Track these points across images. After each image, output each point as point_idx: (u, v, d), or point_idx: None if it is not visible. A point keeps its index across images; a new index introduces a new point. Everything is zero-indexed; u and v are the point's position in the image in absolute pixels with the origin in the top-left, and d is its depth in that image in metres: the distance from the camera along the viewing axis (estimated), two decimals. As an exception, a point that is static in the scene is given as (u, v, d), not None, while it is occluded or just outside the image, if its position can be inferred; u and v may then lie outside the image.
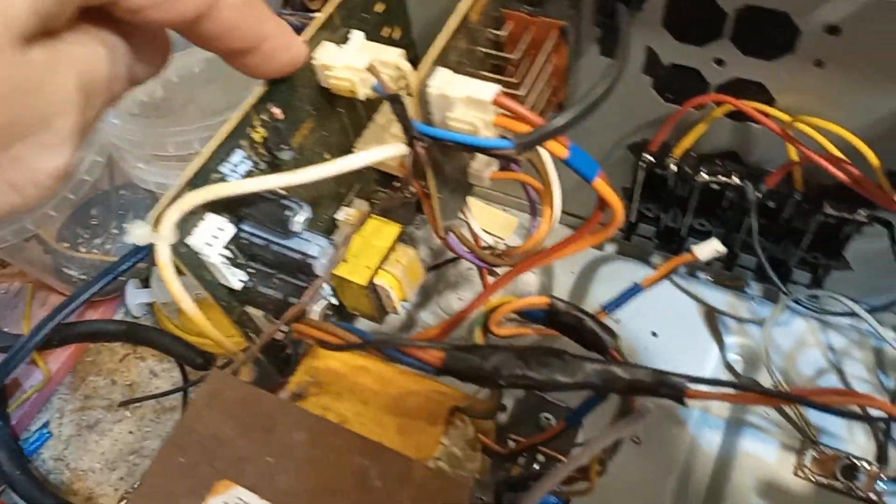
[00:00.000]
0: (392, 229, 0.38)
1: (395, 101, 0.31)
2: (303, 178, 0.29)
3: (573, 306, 0.30)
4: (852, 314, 0.39)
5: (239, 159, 0.31)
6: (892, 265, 0.38)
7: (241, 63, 0.27)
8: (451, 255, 0.47)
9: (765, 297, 0.45)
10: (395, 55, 0.32)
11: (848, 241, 0.39)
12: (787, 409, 0.41)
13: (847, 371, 0.42)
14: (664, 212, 0.42)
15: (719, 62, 0.35)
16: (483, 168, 0.39)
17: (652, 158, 0.39)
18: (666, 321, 0.45)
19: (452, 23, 0.31)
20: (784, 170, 0.36)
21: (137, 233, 0.29)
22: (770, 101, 0.35)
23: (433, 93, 0.31)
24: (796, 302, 0.43)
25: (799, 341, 0.43)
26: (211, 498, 0.26)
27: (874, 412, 0.27)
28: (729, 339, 0.44)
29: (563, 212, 0.50)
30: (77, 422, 0.49)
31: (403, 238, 0.40)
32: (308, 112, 0.34)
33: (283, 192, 0.32)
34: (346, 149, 0.38)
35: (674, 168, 0.39)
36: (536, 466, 0.34)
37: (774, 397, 0.28)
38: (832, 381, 0.42)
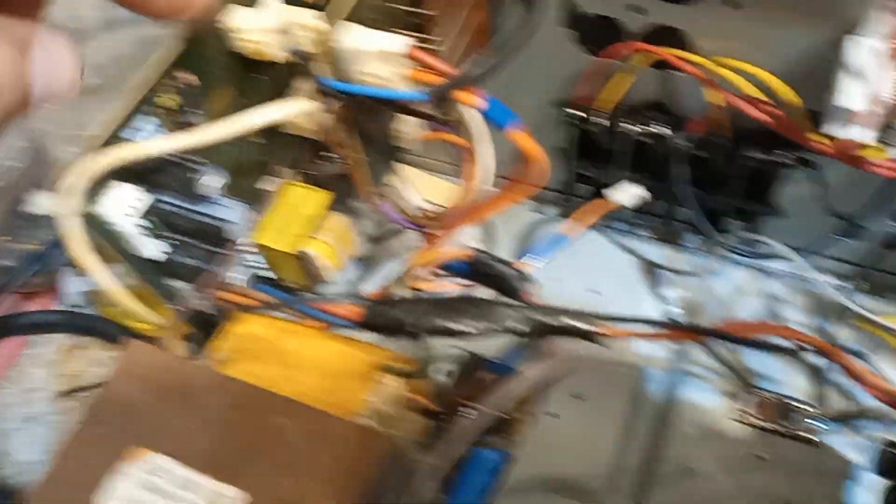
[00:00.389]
0: (321, 197, 0.38)
1: (303, 58, 0.30)
2: (201, 138, 0.28)
3: (491, 256, 0.30)
4: (788, 260, 0.39)
5: (152, 127, 0.31)
6: (819, 208, 0.38)
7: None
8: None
9: (704, 249, 0.45)
10: (312, 16, 0.32)
11: (776, 186, 0.39)
12: (726, 354, 0.41)
13: (787, 316, 0.42)
14: (599, 170, 0.42)
15: (638, 9, 0.35)
16: (411, 129, 0.38)
17: (578, 113, 0.39)
18: (606, 279, 0.45)
19: (363, -23, 0.31)
20: (708, 116, 0.36)
21: (41, 202, 0.28)
22: (689, 46, 0.35)
23: (345, 48, 0.30)
24: (732, 251, 0.43)
25: (738, 290, 0.44)
26: (125, 465, 0.25)
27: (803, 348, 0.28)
28: (669, 293, 0.44)
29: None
30: (21, 415, 0.48)
31: (339, 208, 0.39)
32: (223, 79, 0.34)
33: (195, 158, 0.31)
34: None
35: (602, 122, 0.39)
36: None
37: (689, 332, 0.28)
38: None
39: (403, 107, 0.31)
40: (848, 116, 0.30)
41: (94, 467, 0.26)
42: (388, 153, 0.39)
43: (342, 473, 0.25)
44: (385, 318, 0.27)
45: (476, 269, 0.30)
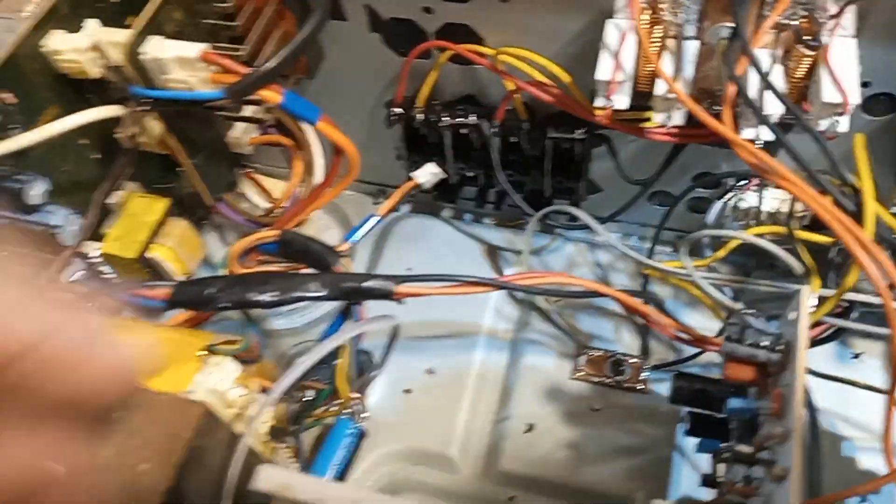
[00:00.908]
0: (160, 204, 0.40)
1: (114, 71, 0.33)
2: (12, 146, 0.31)
3: (300, 235, 0.33)
4: (586, 228, 0.43)
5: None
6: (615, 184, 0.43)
7: None
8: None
9: (541, 231, 0.49)
10: (119, 33, 0.35)
11: (585, 163, 0.43)
12: (564, 321, 0.45)
13: (614, 282, 0.46)
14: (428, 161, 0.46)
15: (427, 10, 0.39)
16: (241, 135, 0.41)
17: (399, 111, 0.43)
18: (455, 266, 0.48)
19: (159, -6, 0.34)
20: (505, 102, 0.40)
21: None
22: (481, 40, 0.39)
23: (146, 58, 0.33)
24: (562, 227, 0.47)
25: (570, 263, 0.48)
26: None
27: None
28: (509, 271, 0.48)
29: (365, 181, 0.52)
30: None
31: (188, 216, 0.42)
32: (48, 99, 0.36)
33: (20, 171, 0.34)
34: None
35: (420, 117, 0.42)
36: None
37: (475, 284, 0.31)
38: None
39: (216, 109, 0.34)
40: (605, 87, 0.34)
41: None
42: (226, 159, 0.41)
43: (159, 438, 0.27)
44: (192, 295, 0.29)
45: (287, 247, 0.33)
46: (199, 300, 0.29)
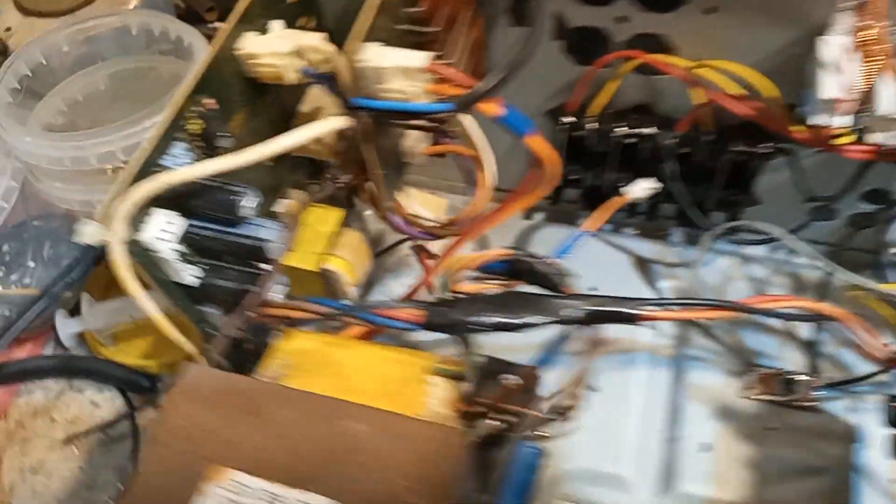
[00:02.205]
0: (335, 214, 0.39)
1: (328, 79, 0.31)
2: (246, 159, 0.29)
3: (527, 253, 0.31)
4: (770, 241, 0.42)
5: (180, 151, 0.31)
6: (795, 194, 0.42)
7: None
8: (389, 242, 0.48)
9: (687, 242, 0.48)
10: (317, 38, 0.33)
11: (756, 176, 0.42)
12: (726, 337, 0.44)
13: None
14: (586, 172, 0.45)
15: (622, 19, 0.37)
16: (415, 144, 0.40)
17: (570, 119, 0.41)
18: (602, 277, 0.47)
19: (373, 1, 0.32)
20: (692, 114, 0.39)
21: (88, 231, 0.28)
22: (672, 50, 0.38)
23: (366, 66, 0.31)
24: (721, 237, 0.46)
25: (724, 277, 0.47)
26: (205, 485, 0.25)
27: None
28: (660, 285, 0.47)
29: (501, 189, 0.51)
30: (20, 467, 0.46)
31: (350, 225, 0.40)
32: (239, 103, 0.34)
33: (233, 182, 0.32)
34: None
35: (593, 126, 0.41)
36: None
37: (717, 308, 0.30)
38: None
39: (418, 120, 0.32)
40: (830, 107, 0.33)
41: (174, 493, 0.26)
42: (398, 169, 0.40)
43: (428, 471, 0.26)
44: (447, 317, 0.28)
45: (516, 267, 0.31)
46: (454, 324, 0.28)
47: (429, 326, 0.28)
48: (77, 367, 0.47)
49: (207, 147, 0.32)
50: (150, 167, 0.30)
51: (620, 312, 0.28)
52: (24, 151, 0.41)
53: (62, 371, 0.47)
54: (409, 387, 0.31)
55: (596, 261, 0.47)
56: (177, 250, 0.31)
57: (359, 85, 0.32)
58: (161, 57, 0.49)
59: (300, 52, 0.33)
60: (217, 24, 0.62)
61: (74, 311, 0.49)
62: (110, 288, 0.50)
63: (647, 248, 0.48)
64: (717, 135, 0.40)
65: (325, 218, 0.39)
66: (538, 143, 0.34)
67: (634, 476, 0.40)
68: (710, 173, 0.42)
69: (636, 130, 0.41)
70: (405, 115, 0.32)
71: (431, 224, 0.40)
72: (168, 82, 0.50)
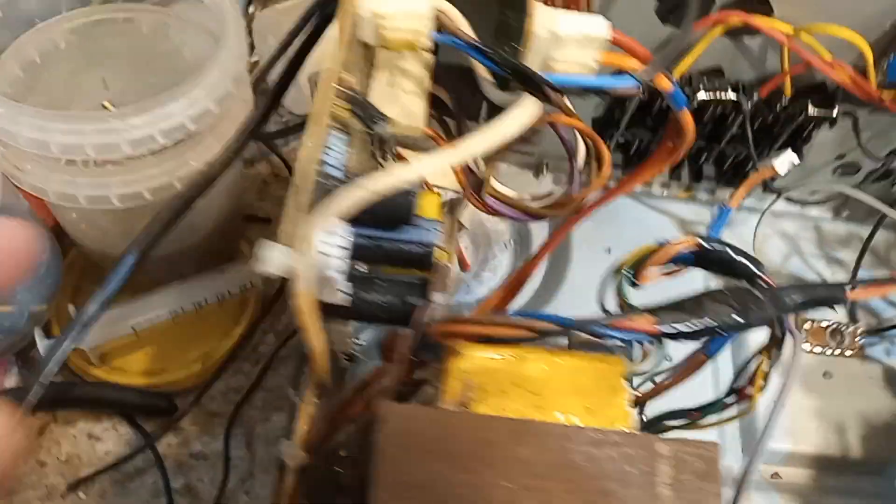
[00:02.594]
0: (433, 199, 0.34)
1: (505, 56, 0.27)
2: (466, 153, 0.24)
3: (717, 240, 0.29)
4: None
5: (338, 145, 0.25)
6: (821, 156, 0.44)
7: None
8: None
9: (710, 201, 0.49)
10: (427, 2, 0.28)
11: (811, 137, 0.43)
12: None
13: (804, 250, 0.48)
14: (651, 136, 0.43)
15: (733, -20, 0.36)
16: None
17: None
18: (623, 238, 0.46)
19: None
20: (779, 79, 0.39)
21: (275, 257, 0.22)
22: (769, 12, 0.37)
23: (542, 33, 0.27)
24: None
25: (761, 235, 0.48)
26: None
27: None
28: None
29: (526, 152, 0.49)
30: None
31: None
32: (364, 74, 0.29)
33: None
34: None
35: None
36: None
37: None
38: (795, 261, 0.47)
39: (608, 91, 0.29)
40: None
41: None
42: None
43: (698, 494, 0.24)
44: (681, 323, 0.25)
45: (706, 257, 0.29)
46: (689, 330, 0.25)
47: (662, 335, 0.25)
48: (78, 396, 0.39)
49: (371, 138, 0.26)
50: (318, 169, 0.24)
51: (830, 297, 0.28)
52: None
53: (55, 403, 0.38)
54: (610, 396, 0.28)
55: (639, 225, 0.47)
56: (343, 265, 0.25)
57: (532, 56, 0.28)
58: (137, 5, 0.40)
59: (442, 14, 0.28)
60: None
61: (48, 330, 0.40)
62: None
63: (689, 211, 0.48)
64: (791, 99, 0.40)
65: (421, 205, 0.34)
66: (687, 117, 0.32)
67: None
68: (769, 135, 0.43)
69: (716, 95, 0.40)
70: (590, 92, 0.28)
71: (535, 205, 0.36)
72: (149, 37, 0.40)
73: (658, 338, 0.26)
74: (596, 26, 0.27)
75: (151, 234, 0.33)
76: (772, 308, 0.27)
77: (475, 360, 0.28)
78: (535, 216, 0.37)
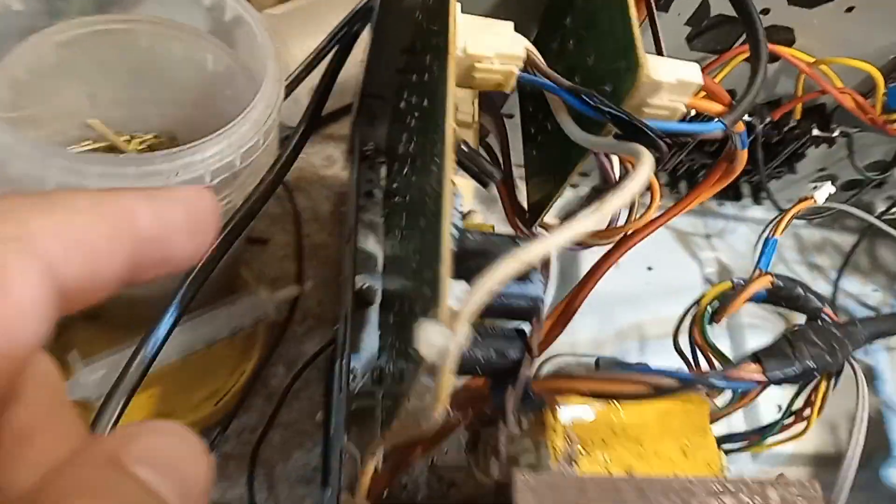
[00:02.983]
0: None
1: (610, 105, 0.26)
2: (601, 222, 0.23)
3: (788, 278, 0.30)
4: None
5: (458, 201, 0.24)
6: (806, 168, 0.47)
7: None
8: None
9: (706, 212, 0.51)
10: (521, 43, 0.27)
11: (805, 154, 0.45)
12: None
13: (786, 258, 0.51)
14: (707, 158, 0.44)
15: (765, 12, 0.36)
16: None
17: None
18: (655, 255, 0.48)
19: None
20: (793, 104, 0.41)
21: (435, 339, 0.21)
22: (792, 42, 0.38)
23: (647, 81, 0.27)
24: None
25: (748, 245, 0.50)
26: None
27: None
28: (702, 255, 0.49)
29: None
30: None
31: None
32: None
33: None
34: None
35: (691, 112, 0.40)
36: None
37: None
38: (780, 269, 0.50)
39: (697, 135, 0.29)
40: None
41: None
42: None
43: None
44: (787, 368, 0.26)
45: (777, 294, 0.30)
46: (793, 375, 0.26)
47: (770, 382, 0.26)
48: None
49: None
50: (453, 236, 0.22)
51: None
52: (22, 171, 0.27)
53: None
54: (701, 437, 0.29)
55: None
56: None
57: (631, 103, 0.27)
58: (138, 15, 0.36)
59: (532, 55, 0.27)
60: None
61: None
62: (94, 341, 0.37)
63: (686, 223, 0.49)
64: (799, 121, 0.42)
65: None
66: (744, 156, 0.32)
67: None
68: (774, 153, 0.44)
69: (733, 118, 0.41)
70: (681, 137, 0.28)
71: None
72: (147, 50, 0.37)
73: (766, 385, 0.26)
74: (692, 73, 0.27)
75: (197, 282, 0.30)
76: (849, 344, 0.29)
77: (571, 413, 0.28)
78: (582, 245, 0.37)
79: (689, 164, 0.47)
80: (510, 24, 0.27)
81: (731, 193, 0.49)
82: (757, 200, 0.49)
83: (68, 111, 0.37)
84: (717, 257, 0.49)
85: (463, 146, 0.25)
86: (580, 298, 0.37)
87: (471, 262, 0.25)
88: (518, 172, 0.37)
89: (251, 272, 0.43)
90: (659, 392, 0.25)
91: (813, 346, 0.27)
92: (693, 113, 0.30)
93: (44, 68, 0.34)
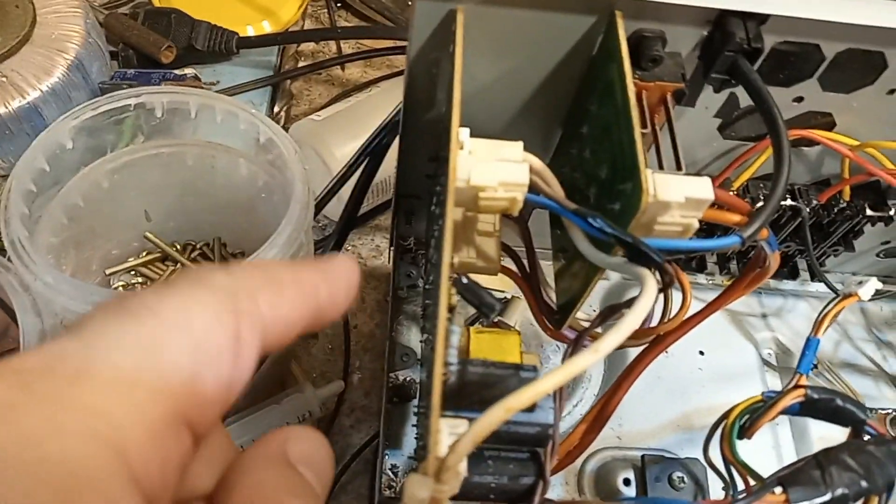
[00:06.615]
0: (513, 340, 0.34)
1: (616, 229, 0.26)
2: (603, 354, 0.23)
3: (823, 389, 0.29)
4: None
5: (454, 338, 0.24)
6: (867, 243, 0.44)
7: None
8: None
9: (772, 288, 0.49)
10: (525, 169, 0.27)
11: (863, 232, 0.43)
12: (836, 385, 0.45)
13: (852, 335, 0.48)
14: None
15: (798, 99, 0.35)
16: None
17: (716, 195, 0.39)
18: (706, 340, 0.46)
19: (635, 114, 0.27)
20: (840, 186, 0.39)
21: (419, 492, 0.21)
22: (832, 126, 0.37)
23: (651, 201, 0.27)
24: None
25: (808, 320, 0.48)
26: None
27: None
28: (758, 336, 0.47)
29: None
30: None
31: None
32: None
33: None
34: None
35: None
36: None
37: None
38: (845, 347, 0.47)
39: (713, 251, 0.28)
40: None
41: None
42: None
43: None
44: (810, 498, 0.25)
45: (813, 406, 0.29)
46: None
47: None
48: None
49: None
50: (446, 371, 0.23)
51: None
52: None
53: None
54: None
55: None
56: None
57: (638, 223, 0.27)
58: (182, 140, 0.38)
59: (540, 177, 0.27)
60: (187, 71, 0.50)
61: None
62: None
63: (735, 302, 0.48)
64: (848, 202, 0.40)
65: (501, 346, 0.33)
66: (777, 258, 0.31)
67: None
68: (824, 233, 0.43)
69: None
70: (696, 253, 0.27)
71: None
72: (194, 168, 0.39)
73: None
74: (703, 189, 0.27)
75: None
76: (891, 466, 0.27)
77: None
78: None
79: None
80: (519, 146, 0.27)
81: (787, 272, 0.47)
82: (816, 277, 0.47)
83: (126, 226, 0.40)
84: (775, 337, 0.47)
85: (463, 279, 0.25)
86: (614, 402, 0.36)
87: (473, 395, 0.26)
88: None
89: (300, 367, 0.44)
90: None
91: (847, 471, 0.26)
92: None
93: (99, 193, 0.37)
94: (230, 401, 0.16)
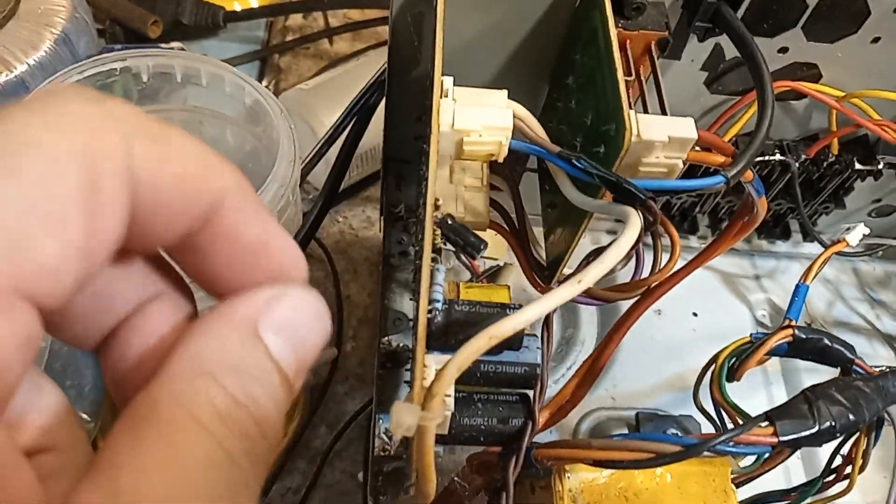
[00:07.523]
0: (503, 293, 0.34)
1: (599, 169, 0.26)
2: (585, 287, 0.23)
3: (811, 329, 0.29)
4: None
5: (440, 277, 0.24)
6: (859, 201, 0.44)
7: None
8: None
9: (752, 251, 0.49)
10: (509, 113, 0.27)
11: (853, 187, 0.43)
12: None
13: (845, 295, 0.48)
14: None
15: (783, 50, 0.35)
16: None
17: (705, 151, 0.39)
18: (699, 301, 0.46)
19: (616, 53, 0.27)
20: (827, 140, 0.39)
21: (405, 420, 0.21)
22: (818, 78, 0.37)
23: (634, 140, 0.27)
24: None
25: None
26: None
27: None
28: (752, 298, 0.47)
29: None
30: None
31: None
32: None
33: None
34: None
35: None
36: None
37: None
38: (839, 306, 0.47)
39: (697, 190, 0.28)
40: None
41: None
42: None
43: None
44: (800, 431, 0.25)
45: (801, 346, 0.29)
46: (809, 437, 0.25)
47: (782, 444, 0.25)
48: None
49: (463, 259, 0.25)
50: (432, 308, 0.23)
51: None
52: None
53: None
54: (722, 500, 0.28)
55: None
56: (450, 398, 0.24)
57: (624, 163, 0.27)
58: (170, 104, 0.38)
59: (523, 122, 0.27)
60: (174, 45, 0.50)
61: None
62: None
63: (729, 263, 0.48)
64: (836, 156, 0.40)
65: (490, 298, 0.33)
66: (764, 203, 0.31)
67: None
68: (814, 189, 0.43)
69: (766, 158, 0.40)
70: (679, 193, 0.27)
71: (602, 289, 0.36)
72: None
73: (780, 448, 0.25)
74: (686, 128, 0.27)
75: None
76: (879, 400, 0.27)
77: (581, 478, 0.27)
78: (604, 300, 0.36)
79: (729, 205, 0.46)
80: (503, 94, 0.28)
81: (779, 232, 0.47)
82: (808, 237, 0.47)
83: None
84: (768, 298, 0.47)
85: (448, 220, 0.25)
86: (605, 356, 0.36)
87: (459, 334, 0.26)
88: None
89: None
90: (662, 459, 0.25)
91: (835, 404, 0.26)
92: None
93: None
94: (95, 264, 0.13)
